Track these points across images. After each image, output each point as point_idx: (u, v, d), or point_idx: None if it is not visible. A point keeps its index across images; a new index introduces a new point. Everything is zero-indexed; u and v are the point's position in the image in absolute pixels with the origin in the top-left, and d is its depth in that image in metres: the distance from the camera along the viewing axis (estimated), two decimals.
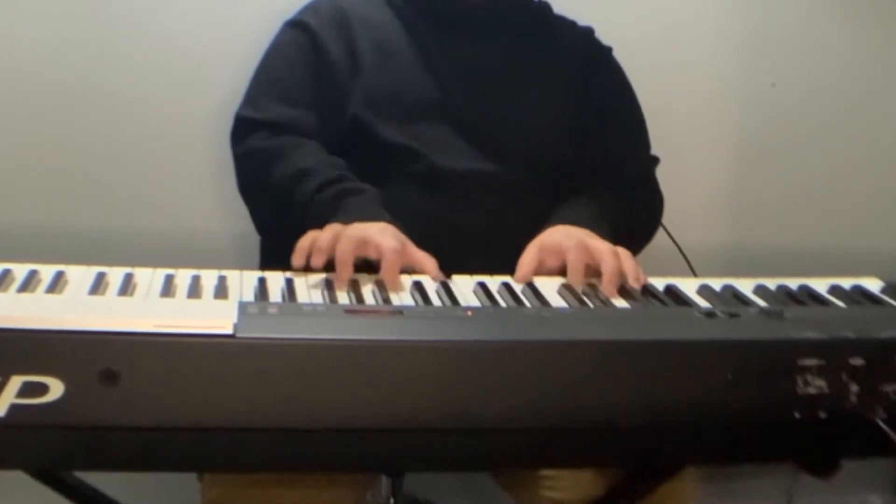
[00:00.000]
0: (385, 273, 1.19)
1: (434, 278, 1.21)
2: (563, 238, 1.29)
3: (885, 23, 2.03)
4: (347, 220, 1.26)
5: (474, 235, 1.40)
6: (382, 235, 1.22)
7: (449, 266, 1.23)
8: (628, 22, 1.71)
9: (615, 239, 1.32)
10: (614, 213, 1.41)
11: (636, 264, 1.25)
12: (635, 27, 1.75)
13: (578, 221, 1.36)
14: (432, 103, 1.47)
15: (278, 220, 1.43)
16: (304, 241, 1.21)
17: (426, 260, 1.24)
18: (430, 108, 1.46)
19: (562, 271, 1.26)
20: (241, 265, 1.19)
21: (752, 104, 2.00)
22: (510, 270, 1.26)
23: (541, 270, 1.27)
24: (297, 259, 1.19)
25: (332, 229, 1.22)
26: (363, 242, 1.21)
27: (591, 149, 1.52)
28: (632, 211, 1.48)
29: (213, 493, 1.25)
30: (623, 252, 1.26)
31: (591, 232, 1.32)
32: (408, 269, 1.23)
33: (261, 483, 1.22)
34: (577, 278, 1.23)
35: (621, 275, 1.22)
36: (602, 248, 1.24)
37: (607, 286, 1.20)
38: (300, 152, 1.41)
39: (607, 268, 1.21)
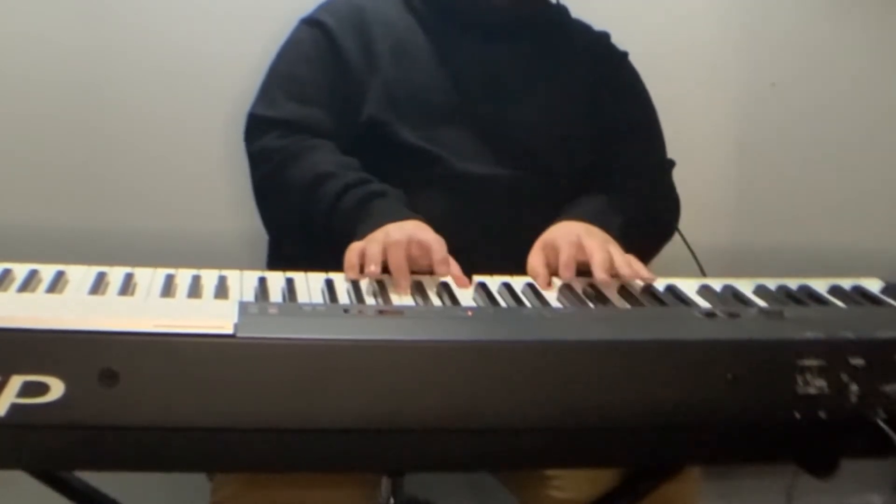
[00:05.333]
0: (438, 266, 1.20)
1: (460, 285, 1.21)
2: (561, 235, 1.29)
3: (885, 23, 2.03)
4: (376, 224, 1.26)
5: (492, 239, 1.39)
6: (423, 232, 1.23)
7: (466, 269, 1.23)
8: (627, 22, 1.71)
9: (625, 234, 1.33)
10: (625, 211, 1.41)
11: (628, 258, 1.25)
12: (634, 27, 1.74)
13: (581, 216, 1.36)
14: (450, 106, 1.46)
15: (294, 222, 1.42)
16: (353, 257, 1.20)
17: (455, 265, 1.24)
18: (448, 110, 1.45)
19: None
20: (248, 266, 1.19)
21: (752, 104, 2.00)
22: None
23: (549, 268, 1.28)
24: (353, 274, 1.19)
25: (376, 241, 1.21)
26: (408, 240, 1.21)
27: (608, 153, 1.52)
28: (646, 213, 1.47)
29: (222, 494, 1.25)
30: (614, 246, 1.27)
31: (592, 226, 1.32)
32: (424, 271, 1.22)
33: (270, 483, 1.22)
34: (566, 274, 1.23)
35: (611, 267, 1.22)
36: (592, 245, 1.25)
37: (598, 277, 1.20)
38: (316, 154, 1.40)
39: (596, 262, 1.22)
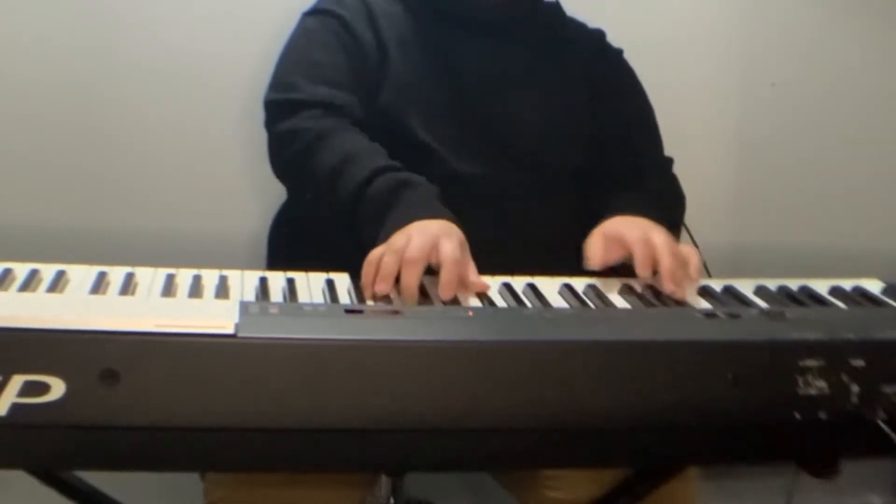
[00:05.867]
0: (442, 288, 1.14)
1: (475, 289, 1.17)
2: (628, 229, 1.27)
3: (886, 23, 2.03)
4: (403, 217, 1.21)
5: (488, 238, 1.37)
6: (446, 241, 1.17)
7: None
8: (628, 22, 1.71)
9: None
10: (655, 208, 1.39)
11: (698, 262, 1.25)
12: (635, 27, 1.75)
13: (639, 212, 1.34)
14: (447, 104, 1.45)
15: (320, 203, 1.37)
16: (369, 273, 1.15)
17: (472, 269, 1.19)
18: (445, 108, 1.44)
19: (622, 262, 1.26)
20: (248, 266, 1.18)
21: (752, 104, 2.00)
22: (525, 273, 1.24)
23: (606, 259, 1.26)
24: (368, 293, 1.14)
25: (394, 252, 1.15)
26: (427, 256, 1.15)
27: (611, 151, 1.51)
28: (665, 208, 1.44)
29: (217, 494, 1.25)
30: (686, 249, 1.26)
31: (652, 222, 1.30)
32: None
33: (265, 483, 1.22)
34: (645, 272, 1.21)
35: (677, 274, 1.21)
36: (661, 245, 1.23)
37: (666, 288, 1.19)
38: (349, 134, 1.35)
39: (665, 269, 1.20)
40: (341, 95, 1.40)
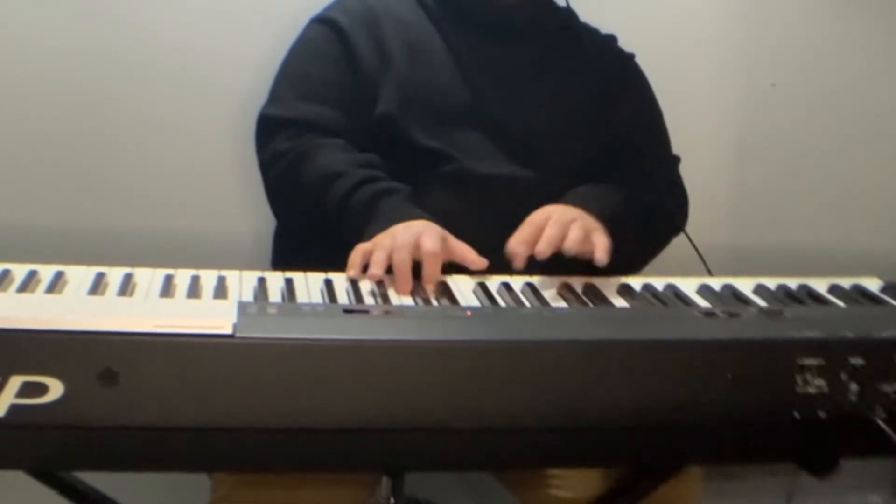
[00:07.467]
0: (425, 280, 1.18)
1: (475, 266, 1.22)
2: (539, 214, 1.31)
3: (886, 23, 2.03)
4: (385, 224, 1.26)
5: (504, 240, 1.39)
6: (427, 235, 1.21)
7: (478, 270, 1.23)
8: (627, 22, 1.71)
9: (620, 223, 1.34)
10: (629, 202, 1.41)
11: (580, 236, 1.26)
12: (635, 27, 1.74)
13: (571, 201, 1.36)
14: (463, 107, 1.45)
15: (308, 223, 1.42)
16: (356, 257, 1.20)
17: (466, 251, 1.24)
18: (461, 111, 1.45)
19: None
20: (251, 267, 1.18)
21: (752, 104, 2.00)
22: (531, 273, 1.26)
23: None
24: (353, 272, 1.19)
25: (382, 248, 1.20)
26: (414, 246, 1.20)
27: (620, 156, 1.52)
28: (653, 207, 1.47)
29: (220, 493, 1.25)
30: (581, 226, 1.28)
31: (579, 209, 1.33)
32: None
33: (267, 484, 1.22)
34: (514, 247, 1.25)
35: (555, 243, 1.24)
36: (554, 222, 1.27)
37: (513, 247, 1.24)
38: (326, 153, 1.39)
39: (544, 236, 1.25)
40: (324, 112, 1.43)
